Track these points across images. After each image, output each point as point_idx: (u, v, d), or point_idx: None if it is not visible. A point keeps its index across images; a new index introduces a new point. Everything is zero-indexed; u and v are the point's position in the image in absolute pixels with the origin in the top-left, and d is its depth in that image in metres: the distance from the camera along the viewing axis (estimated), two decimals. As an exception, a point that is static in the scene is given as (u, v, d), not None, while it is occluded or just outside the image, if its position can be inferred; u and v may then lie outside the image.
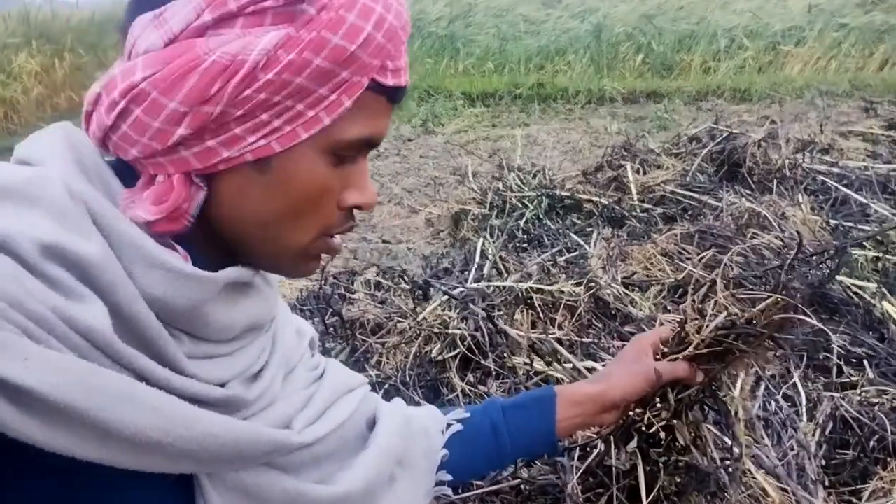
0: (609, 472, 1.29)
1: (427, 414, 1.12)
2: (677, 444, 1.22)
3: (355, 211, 0.79)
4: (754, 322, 1.10)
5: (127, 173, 0.72)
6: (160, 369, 0.68)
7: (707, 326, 1.12)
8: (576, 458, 1.45)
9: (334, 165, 0.74)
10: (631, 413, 1.18)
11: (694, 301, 1.16)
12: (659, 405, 1.17)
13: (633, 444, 1.22)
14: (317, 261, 0.80)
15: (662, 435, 1.22)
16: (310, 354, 1.00)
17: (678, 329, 1.16)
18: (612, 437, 1.26)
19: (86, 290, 0.63)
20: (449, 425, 1.11)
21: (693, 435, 1.23)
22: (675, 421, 1.19)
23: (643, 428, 1.20)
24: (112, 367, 0.64)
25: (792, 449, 1.36)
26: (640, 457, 1.24)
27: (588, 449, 1.41)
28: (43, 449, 0.60)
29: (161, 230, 0.70)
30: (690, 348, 1.13)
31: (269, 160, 0.70)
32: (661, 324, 1.53)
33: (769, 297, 1.11)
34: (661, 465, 1.24)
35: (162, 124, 0.67)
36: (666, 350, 1.16)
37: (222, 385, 0.75)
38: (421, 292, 2.31)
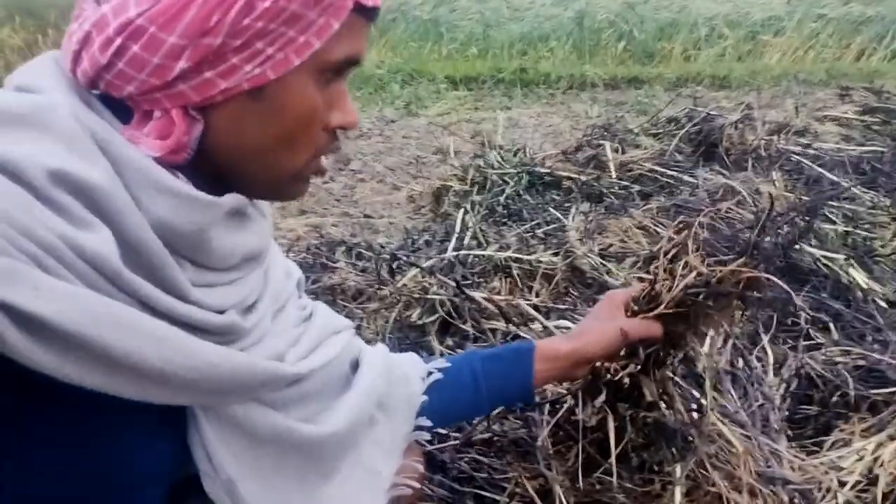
0: (578, 425, 1.33)
1: (409, 360, 1.16)
2: (644, 399, 1.27)
3: (339, 132, 0.82)
4: (723, 282, 1.15)
5: (115, 109, 0.72)
6: (165, 297, 0.70)
7: (677, 286, 1.16)
8: (546, 412, 1.50)
9: (321, 89, 0.76)
10: (599, 366, 1.22)
11: (664, 261, 1.20)
12: (627, 361, 1.21)
13: (602, 398, 1.26)
14: (308, 182, 0.84)
15: (630, 388, 1.26)
16: (297, 295, 1.02)
17: (648, 288, 1.20)
18: (580, 392, 1.30)
19: (93, 217, 0.65)
20: (430, 373, 1.14)
21: (661, 391, 1.27)
22: (642, 376, 1.24)
23: (611, 382, 1.25)
24: (118, 294, 0.66)
25: (757, 400, 1.41)
26: (608, 411, 1.28)
27: (558, 405, 1.45)
28: (53, 377, 0.62)
29: (162, 164, 0.71)
30: (661, 308, 1.17)
31: (263, 88, 0.72)
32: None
33: (738, 258, 1.15)
34: (628, 419, 1.29)
35: (161, 59, 0.68)
36: (636, 308, 1.20)
37: (221, 312, 0.78)
38: (395, 264, 2.34)
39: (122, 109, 0.73)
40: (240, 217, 0.81)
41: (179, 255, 0.73)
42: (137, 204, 0.68)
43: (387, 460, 1.06)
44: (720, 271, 1.13)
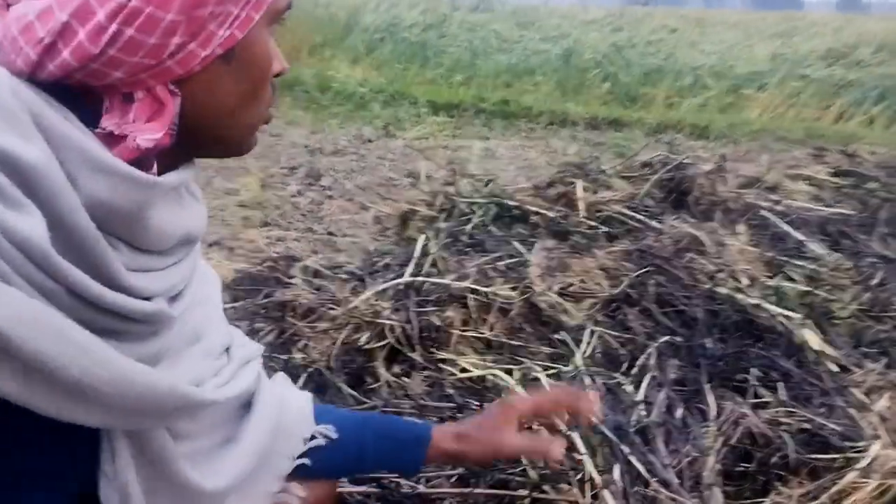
0: None
1: (298, 411, 1.11)
2: None
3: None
4: None
5: (55, 95, 0.68)
6: (93, 284, 0.67)
7: None
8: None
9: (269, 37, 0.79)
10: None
11: None
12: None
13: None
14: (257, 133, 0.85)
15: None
16: (221, 307, 0.99)
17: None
18: None
19: (25, 198, 0.62)
20: (314, 437, 1.10)
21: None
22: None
23: None
24: (45, 281, 0.63)
25: (687, 456, 1.39)
26: None
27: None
28: None
29: (159, 147, 0.71)
30: None
31: (232, 49, 0.73)
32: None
33: None
34: None
35: (158, 39, 0.67)
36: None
37: (149, 299, 0.75)
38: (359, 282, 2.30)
39: (68, 96, 0.69)
40: (177, 197, 0.80)
41: (115, 237, 0.71)
42: (74, 184, 0.66)
43: None
44: None
